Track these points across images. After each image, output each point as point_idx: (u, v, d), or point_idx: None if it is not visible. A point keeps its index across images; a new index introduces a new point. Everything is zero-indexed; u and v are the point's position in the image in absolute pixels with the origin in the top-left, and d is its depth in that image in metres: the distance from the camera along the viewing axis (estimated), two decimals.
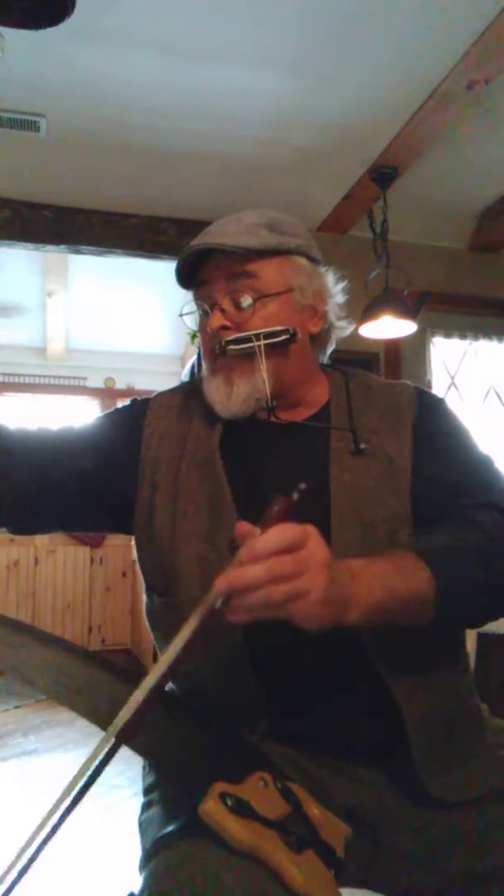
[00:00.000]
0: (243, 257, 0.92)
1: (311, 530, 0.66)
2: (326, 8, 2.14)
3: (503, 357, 4.01)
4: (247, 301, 0.92)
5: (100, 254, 3.58)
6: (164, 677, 0.63)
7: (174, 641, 0.63)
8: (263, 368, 0.91)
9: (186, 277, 0.98)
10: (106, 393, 5.88)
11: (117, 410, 1.05)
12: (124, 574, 5.05)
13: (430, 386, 3.80)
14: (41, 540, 5.01)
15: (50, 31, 2.02)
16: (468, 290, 3.83)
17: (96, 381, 5.91)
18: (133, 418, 1.01)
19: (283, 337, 0.92)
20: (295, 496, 0.67)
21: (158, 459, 0.95)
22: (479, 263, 3.88)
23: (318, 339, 1.00)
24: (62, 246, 3.48)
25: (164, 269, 3.64)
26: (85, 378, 5.90)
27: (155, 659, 3.92)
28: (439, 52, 2.32)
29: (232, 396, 0.93)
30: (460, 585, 0.78)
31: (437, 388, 3.85)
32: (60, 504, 0.95)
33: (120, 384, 5.92)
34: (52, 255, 4.46)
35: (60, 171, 3.12)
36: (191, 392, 1.02)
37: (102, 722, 0.71)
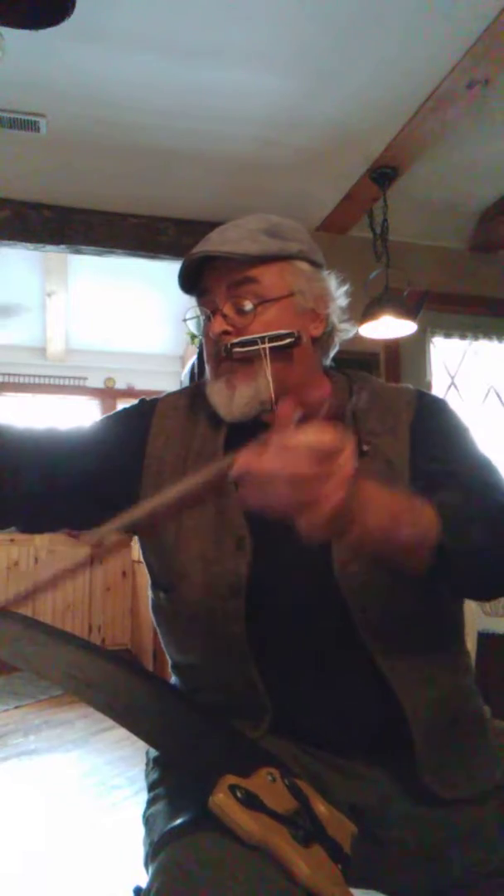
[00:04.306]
0: (244, 263, 0.92)
1: (349, 442, 0.63)
2: (326, 8, 2.14)
3: (503, 357, 4.01)
4: (248, 306, 0.93)
5: (100, 254, 3.58)
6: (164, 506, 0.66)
7: (182, 483, 0.64)
8: (268, 371, 0.92)
9: (189, 283, 0.99)
10: (106, 393, 5.89)
11: (124, 410, 1.06)
12: (124, 574, 5.05)
13: (430, 386, 3.80)
14: (41, 540, 5.01)
15: (50, 31, 2.02)
16: (468, 290, 3.83)
17: (96, 381, 5.91)
18: (139, 418, 1.02)
19: (287, 340, 0.93)
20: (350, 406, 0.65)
21: (164, 459, 0.96)
22: (478, 263, 3.88)
23: (321, 343, 1.01)
24: (62, 246, 3.48)
25: (164, 269, 3.65)
26: (85, 378, 5.90)
27: (155, 659, 3.91)
28: (439, 52, 2.32)
29: (234, 400, 0.94)
30: (463, 531, 0.76)
31: (437, 388, 3.85)
32: (68, 504, 0.96)
33: (120, 384, 5.92)
34: (52, 255, 4.46)
35: (60, 171, 3.12)
36: (198, 393, 1.03)
37: (118, 716, 0.72)
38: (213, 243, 0.94)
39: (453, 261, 3.85)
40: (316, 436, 0.61)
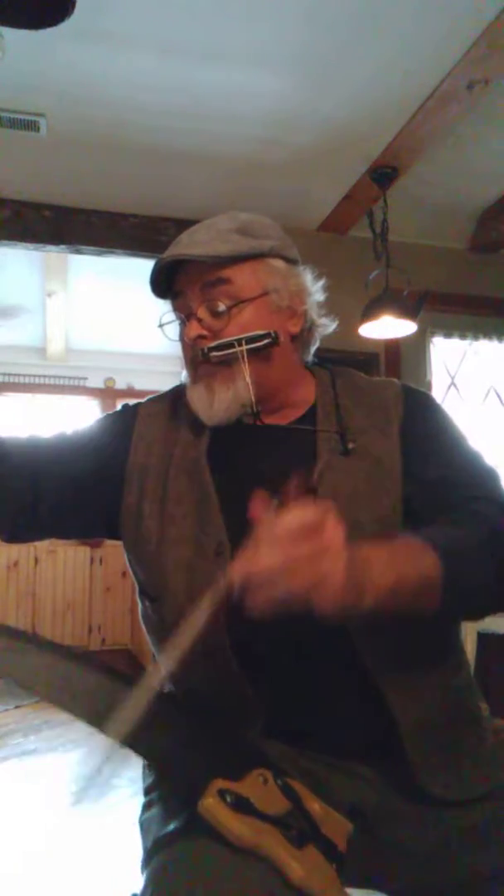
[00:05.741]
0: (216, 264, 0.91)
1: (330, 510, 0.64)
2: (326, 8, 2.14)
3: (503, 357, 4.01)
4: (221, 308, 0.92)
5: (100, 254, 3.58)
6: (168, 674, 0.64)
7: (183, 630, 0.63)
8: (247, 374, 0.90)
9: (163, 287, 0.97)
10: (106, 393, 5.88)
11: (108, 416, 1.06)
12: (124, 574, 5.04)
13: (430, 386, 3.80)
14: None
15: (50, 31, 2.02)
16: (468, 290, 3.82)
17: (96, 381, 5.91)
18: (123, 424, 1.01)
19: (265, 341, 0.91)
20: (315, 477, 0.67)
21: (146, 466, 0.95)
22: (479, 263, 3.88)
23: (300, 339, 0.99)
24: (62, 246, 3.48)
25: None
26: (85, 378, 5.89)
27: (155, 660, 3.92)
28: (439, 52, 2.32)
29: (214, 404, 0.92)
30: (466, 569, 0.78)
31: (437, 388, 3.85)
32: (55, 513, 0.95)
33: (120, 384, 5.91)
34: (52, 255, 4.46)
35: (60, 171, 3.12)
36: (179, 397, 1.02)
37: (101, 724, 0.72)
38: (183, 246, 0.93)
39: (453, 261, 3.84)
40: (298, 516, 0.63)
